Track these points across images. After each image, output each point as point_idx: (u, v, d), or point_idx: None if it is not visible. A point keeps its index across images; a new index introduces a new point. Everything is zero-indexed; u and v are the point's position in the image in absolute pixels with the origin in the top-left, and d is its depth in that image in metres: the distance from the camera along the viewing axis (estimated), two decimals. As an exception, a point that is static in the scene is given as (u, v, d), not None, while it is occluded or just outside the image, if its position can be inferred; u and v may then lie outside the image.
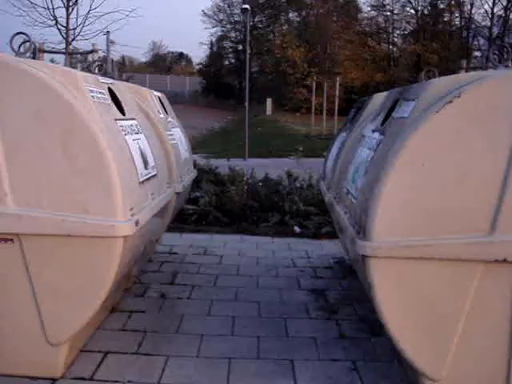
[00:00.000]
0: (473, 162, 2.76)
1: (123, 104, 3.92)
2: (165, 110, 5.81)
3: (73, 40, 25.27)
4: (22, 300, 3.16)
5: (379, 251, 2.83)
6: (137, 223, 3.20)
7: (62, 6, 25.27)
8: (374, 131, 3.80)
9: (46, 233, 3.03)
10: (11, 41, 3.81)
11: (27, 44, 3.74)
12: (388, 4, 48.68)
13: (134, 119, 4.01)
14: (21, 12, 25.74)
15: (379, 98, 4.71)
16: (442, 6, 46.86)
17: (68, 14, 25.35)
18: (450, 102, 2.78)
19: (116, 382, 3.38)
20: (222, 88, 53.58)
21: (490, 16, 41.03)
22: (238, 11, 53.54)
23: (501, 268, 2.79)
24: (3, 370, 3.31)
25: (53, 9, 25.30)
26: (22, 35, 3.81)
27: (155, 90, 5.98)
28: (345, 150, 4.70)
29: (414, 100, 3.18)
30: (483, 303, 2.85)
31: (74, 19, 25.33)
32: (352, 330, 4.24)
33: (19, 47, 3.75)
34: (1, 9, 40.33)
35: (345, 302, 4.86)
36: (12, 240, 3.07)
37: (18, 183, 3.03)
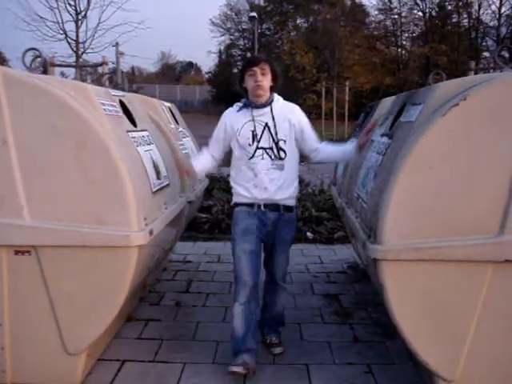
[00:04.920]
0: (480, 163, 2.79)
1: (134, 116, 3.98)
2: (175, 120, 5.87)
3: (83, 53, 25.63)
4: (40, 310, 3.21)
5: (390, 254, 2.85)
6: (151, 233, 3.25)
7: (72, 19, 25.65)
8: (382, 136, 3.83)
9: (61, 244, 3.08)
10: (23, 56, 3.88)
11: (38, 59, 3.81)
12: (395, 7, 48.62)
13: (145, 130, 4.07)
14: (31, 27, 26.19)
15: (387, 103, 4.73)
16: (449, 8, 46.70)
17: (77, 28, 25.72)
18: (456, 104, 2.80)
19: (134, 389, 3.43)
20: (231, 96, 53.09)
21: (498, 16, 40.89)
22: (245, 19, 53.69)
23: (511, 268, 2.82)
24: (22, 379, 3.35)
25: (62, 23, 25.74)
26: (33, 51, 3.89)
27: (165, 100, 6.06)
28: (355, 155, 4.72)
29: (420, 104, 3.20)
30: (495, 303, 2.86)
31: (84, 32, 25.74)
32: (366, 334, 4.26)
33: (31, 63, 3.83)
34: (11, 24, 40.76)
35: (358, 305, 4.88)
36: (29, 252, 3.13)
37: (34, 196, 3.08)
